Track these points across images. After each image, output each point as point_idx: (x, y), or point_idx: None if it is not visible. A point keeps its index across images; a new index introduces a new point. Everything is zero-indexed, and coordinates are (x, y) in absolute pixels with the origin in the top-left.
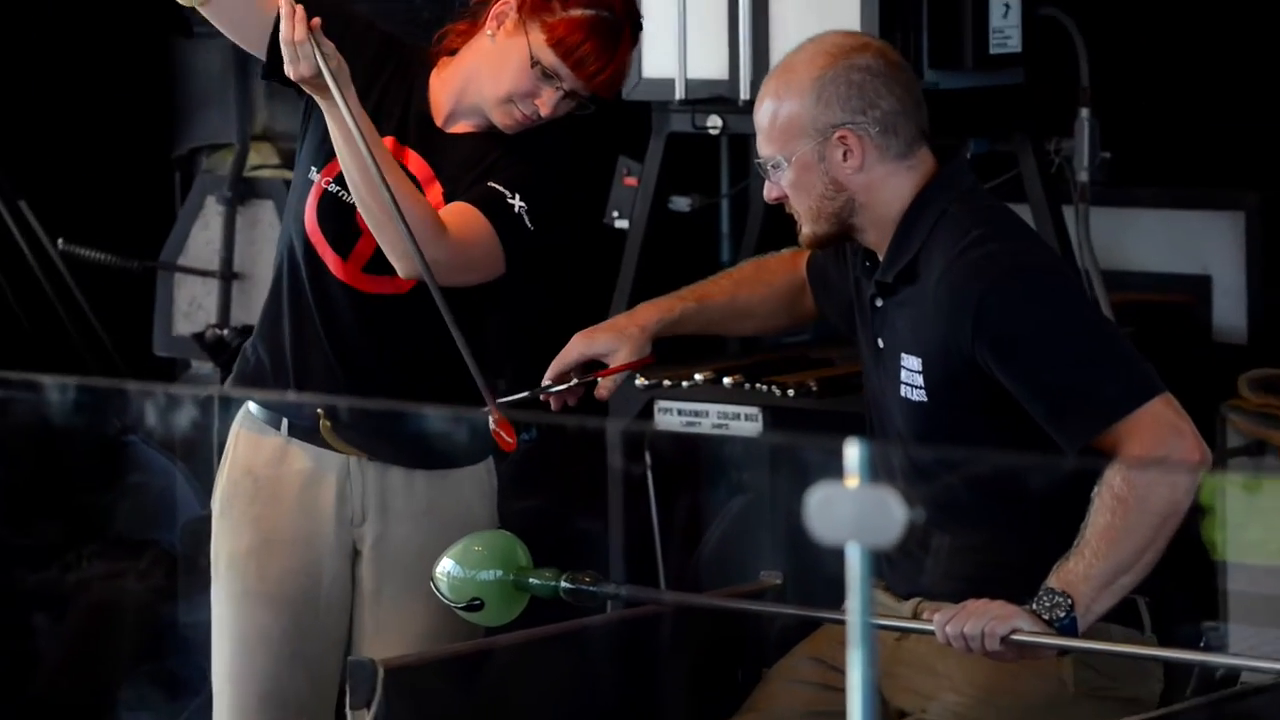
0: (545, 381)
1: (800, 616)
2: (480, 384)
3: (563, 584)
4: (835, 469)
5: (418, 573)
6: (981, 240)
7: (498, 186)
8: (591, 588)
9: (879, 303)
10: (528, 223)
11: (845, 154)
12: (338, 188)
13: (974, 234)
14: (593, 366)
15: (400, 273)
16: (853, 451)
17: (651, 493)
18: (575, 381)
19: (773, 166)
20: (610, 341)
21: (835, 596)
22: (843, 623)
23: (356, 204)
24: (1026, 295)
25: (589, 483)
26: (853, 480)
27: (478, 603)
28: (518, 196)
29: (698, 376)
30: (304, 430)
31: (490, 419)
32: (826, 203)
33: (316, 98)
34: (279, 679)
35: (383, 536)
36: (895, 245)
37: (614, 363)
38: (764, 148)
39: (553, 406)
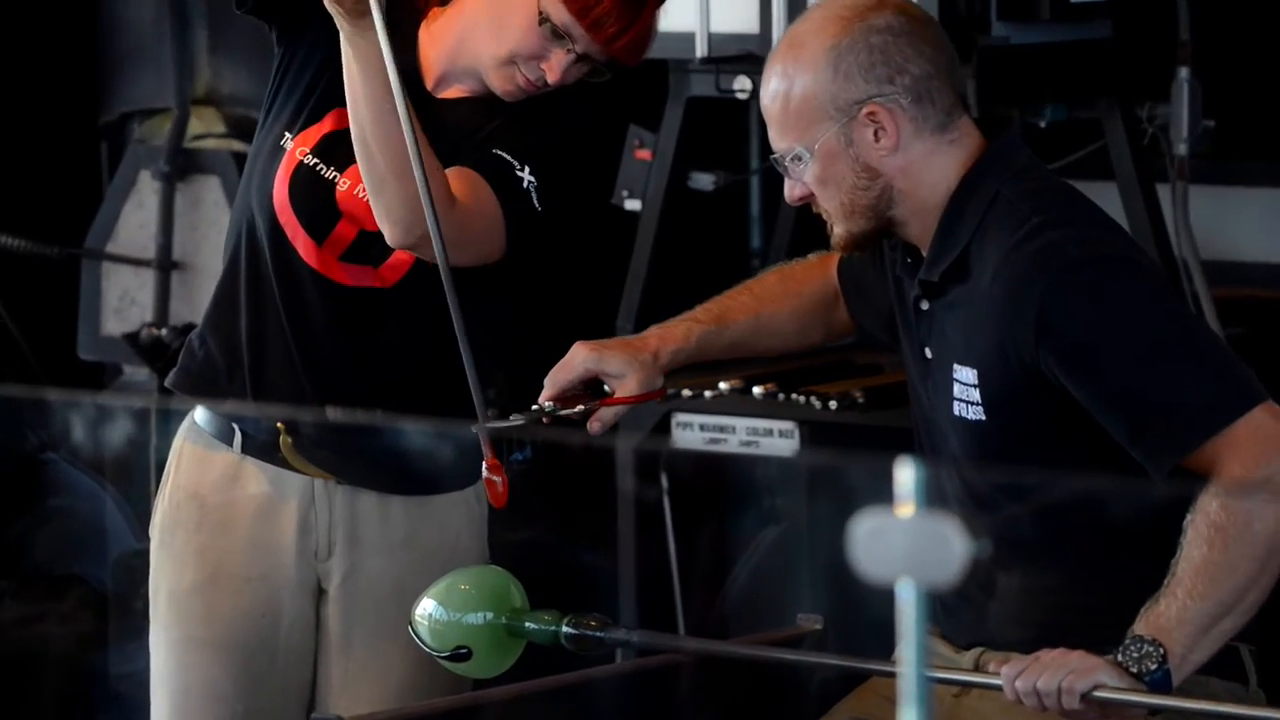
0: (545, 398)
1: (843, 668)
2: (477, 400)
3: (564, 628)
4: (884, 494)
5: (393, 615)
6: (1042, 228)
7: (504, 155)
8: (598, 633)
9: (924, 306)
10: (535, 201)
11: (876, 133)
12: (315, 160)
13: (1033, 221)
14: (595, 386)
15: (392, 240)
16: (905, 474)
17: (669, 522)
18: (583, 407)
19: (792, 160)
20: (621, 364)
21: (884, 645)
22: (893, 676)
23: (359, 157)
24: (1097, 291)
25: (595, 510)
26: (906, 508)
27: (464, 651)
28: (527, 170)
29: (723, 385)
30: (261, 446)
31: (483, 465)
32: (860, 195)
33: (344, 27)
34: None
35: (353, 572)
36: (941, 238)
37: (621, 391)
38: (779, 140)
39: (544, 420)
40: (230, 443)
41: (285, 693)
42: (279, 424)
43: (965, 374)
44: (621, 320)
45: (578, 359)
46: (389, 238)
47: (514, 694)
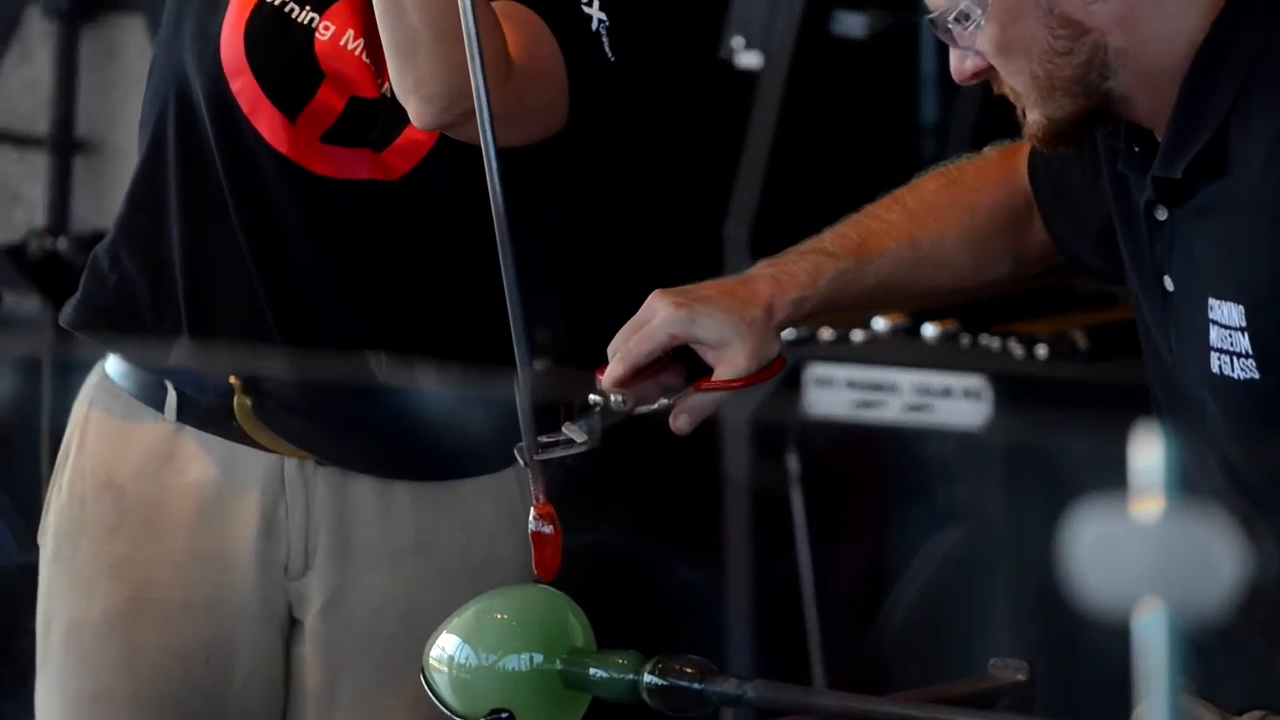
0: (612, 379)
1: None
2: (521, 407)
3: (647, 677)
4: (1117, 482)
5: (399, 657)
6: None
7: None
8: (695, 684)
9: (1161, 215)
10: (607, 47)
11: None
12: None
13: None
14: (685, 358)
15: (422, 120)
16: (1148, 454)
17: (800, 521)
18: (665, 402)
19: (956, 20)
20: (721, 327)
21: (1116, 704)
22: None
23: (379, 9)
24: None
25: (692, 505)
26: (1149, 504)
27: (504, 716)
28: (595, 4)
29: (879, 323)
30: (205, 412)
31: (531, 514)
32: (1060, 62)
33: None
34: None
35: (340, 595)
36: (1183, 115)
37: (722, 365)
38: None
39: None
40: (160, 407)
41: None
42: (232, 379)
43: (1226, 312)
44: (732, 228)
45: (658, 319)
46: (417, 118)
47: None
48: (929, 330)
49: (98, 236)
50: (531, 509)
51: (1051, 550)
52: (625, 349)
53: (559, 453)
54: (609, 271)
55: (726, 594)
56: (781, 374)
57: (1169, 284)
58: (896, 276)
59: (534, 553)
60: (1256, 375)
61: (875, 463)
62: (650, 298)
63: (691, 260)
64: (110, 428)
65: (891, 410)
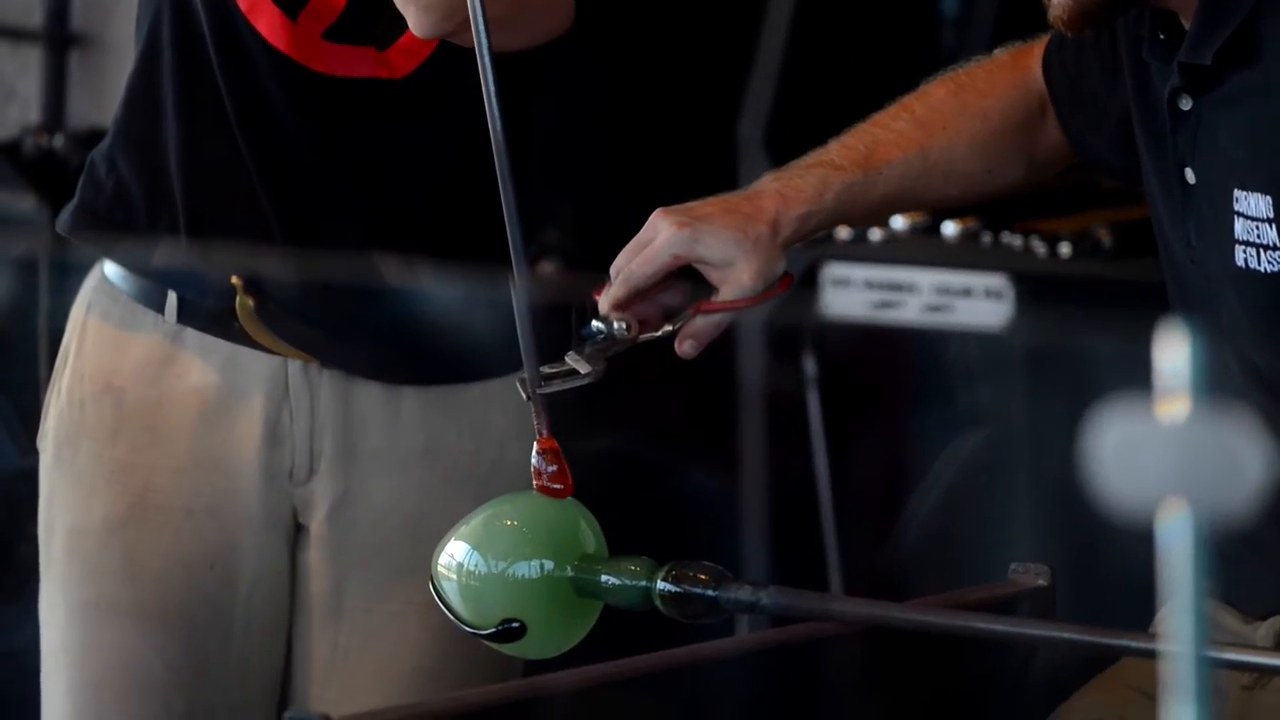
0: (611, 299)
1: (1079, 644)
2: (524, 338)
3: (659, 584)
4: (1141, 383)
5: (406, 564)
6: None
7: None
8: (709, 591)
9: (1185, 105)
10: None
11: None
12: None
13: None
14: (688, 276)
15: (421, 28)
16: (1173, 353)
17: (817, 425)
18: (670, 328)
19: None
20: (725, 245)
21: (1138, 609)
22: (1155, 657)
23: None
24: None
25: (706, 409)
26: (1173, 405)
27: (515, 625)
28: None
29: (897, 221)
30: (207, 315)
31: (534, 449)
32: None
33: None
34: None
35: (346, 501)
36: None
37: (727, 285)
38: None
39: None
40: (160, 310)
41: (245, 680)
42: (234, 280)
43: (1253, 203)
44: (747, 126)
45: (660, 240)
46: (415, 26)
47: (585, 682)
48: (949, 228)
49: (94, 133)
50: (534, 444)
51: (1074, 453)
52: (627, 271)
53: (562, 385)
54: (620, 173)
55: (741, 500)
56: (788, 292)
57: (1190, 176)
58: (906, 187)
59: (535, 485)
60: None
61: (894, 365)
62: (652, 217)
63: (705, 161)
64: (109, 331)
65: (910, 311)
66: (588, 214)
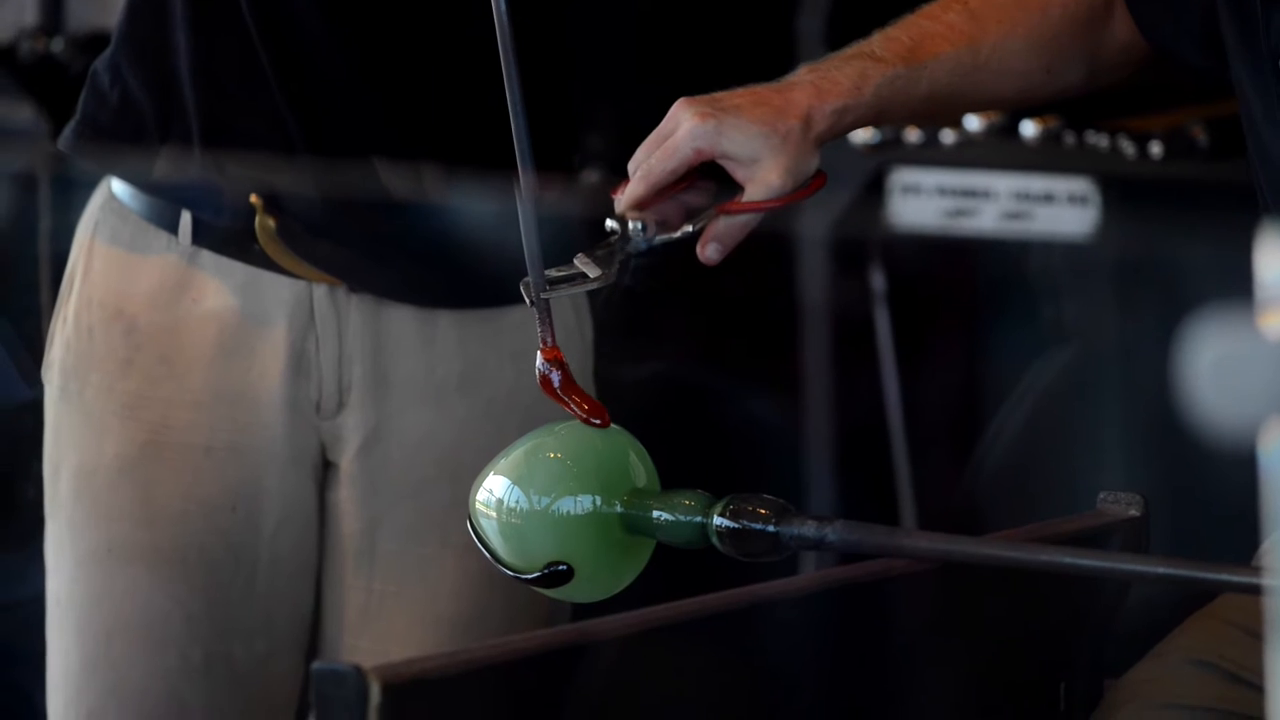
0: (631, 199)
1: (1176, 579)
2: (526, 212)
3: (716, 520)
4: (1241, 293)
5: (443, 502)
6: None
7: None
8: (771, 527)
9: None
10: None
11: None
12: None
13: None
14: (714, 174)
15: None
16: (1277, 260)
17: (886, 345)
18: (690, 228)
19: None
20: (752, 140)
21: (1240, 540)
22: (1259, 592)
23: None
24: None
25: (763, 329)
26: (1278, 315)
27: (562, 568)
28: None
29: (971, 122)
30: (224, 235)
31: (538, 357)
32: None
33: None
34: (177, 701)
35: (378, 435)
36: None
37: (753, 184)
38: None
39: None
40: (174, 229)
41: (270, 630)
42: (253, 198)
43: None
44: (805, 19)
45: (682, 132)
46: None
47: (637, 626)
48: (1028, 128)
49: (96, 37)
50: (538, 353)
51: (1167, 372)
52: (646, 166)
53: (568, 289)
54: (671, 74)
55: (804, 428)
56: (818, 192)
57: None
58: (954, 84)
59: (544, 390)
60: None
61: (969, 279)
62: (674, 107)
63: (762, 59)
64: (118, 253)
65: (987, 219)
66: (634, 119)
